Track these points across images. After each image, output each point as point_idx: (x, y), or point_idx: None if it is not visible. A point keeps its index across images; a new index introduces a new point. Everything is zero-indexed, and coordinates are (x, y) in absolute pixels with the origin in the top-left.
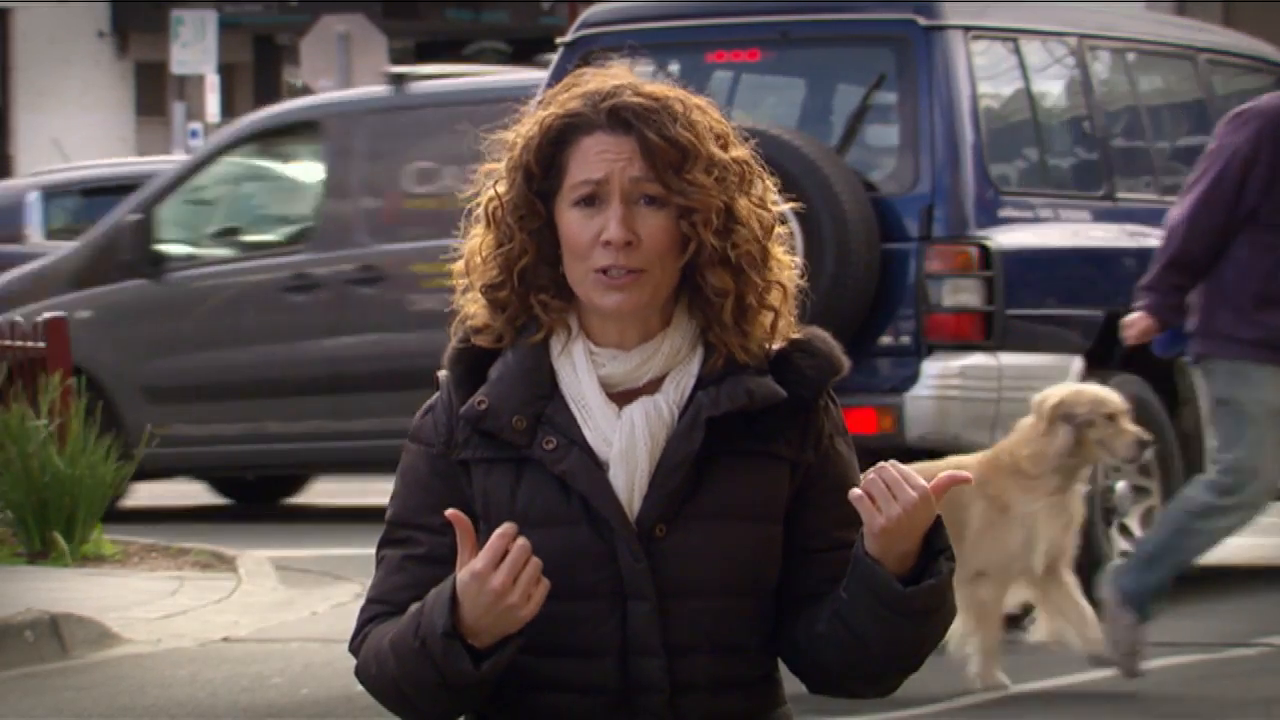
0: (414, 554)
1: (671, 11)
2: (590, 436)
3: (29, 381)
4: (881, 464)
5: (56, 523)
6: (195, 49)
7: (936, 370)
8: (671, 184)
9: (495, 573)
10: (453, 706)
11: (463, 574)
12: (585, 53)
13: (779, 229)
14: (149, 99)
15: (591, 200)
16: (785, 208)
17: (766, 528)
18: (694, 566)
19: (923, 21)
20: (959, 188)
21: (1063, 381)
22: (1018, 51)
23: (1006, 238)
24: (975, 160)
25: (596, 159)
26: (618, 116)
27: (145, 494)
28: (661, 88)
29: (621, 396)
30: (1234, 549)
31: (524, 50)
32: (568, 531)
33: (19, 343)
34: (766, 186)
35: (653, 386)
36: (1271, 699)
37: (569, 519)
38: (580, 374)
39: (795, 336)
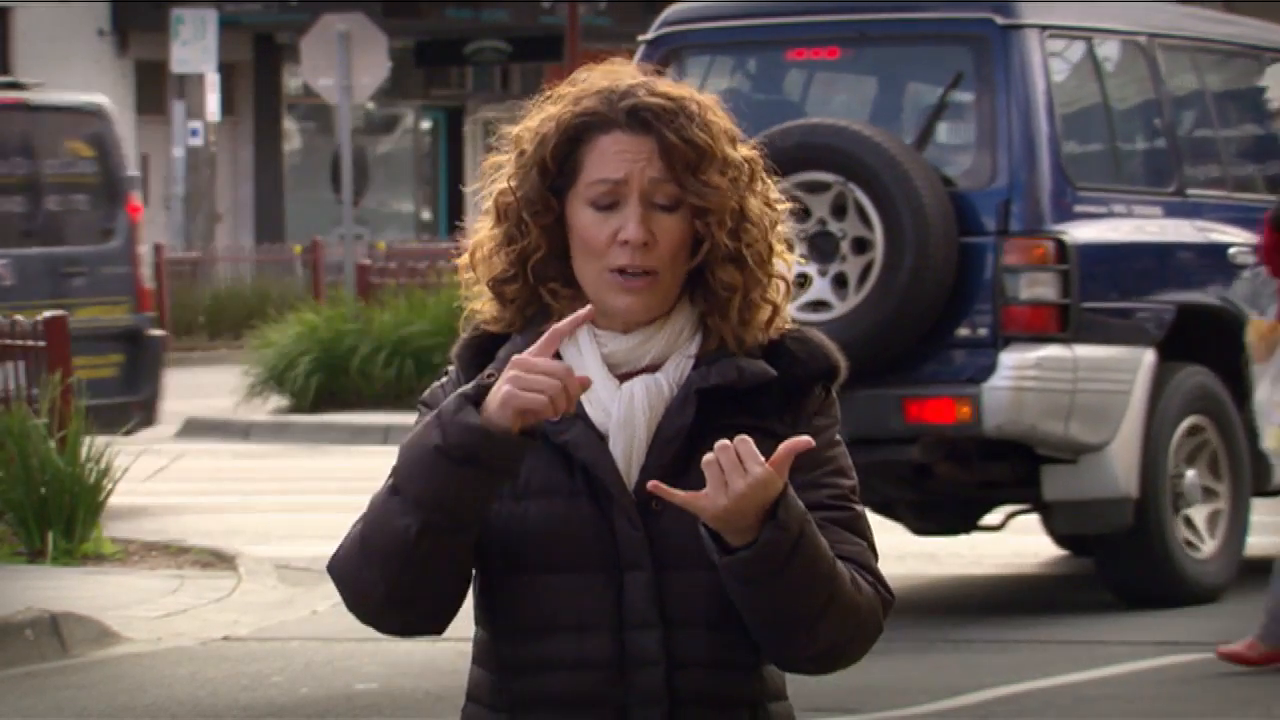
0: None
1: (752, 10)
2: (591, 409)
3: (29, 381)
4: (740, 438)
5: (56, 522)
6: (195, 48)
7: (1013, 361)
8: (688, 185)
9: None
10: (436, 496)
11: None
12: (667, 50)
13: (780, 227)
14: (149, 98)
15: (608, 199)
16: (788, 206)
17: None
18: (690, 539)
19: (1000, 20)
20: (1035, 183)
21: (1136, 374)
22: (1091, 50)
23: (1081, 232)
24: (1051, 156)
25: (615, 159)
26: (637, 116)
27: (145, 492)
28: (675, 86)
29: (623, 378)
30: None
31: (524, 49)
32: (567, 503)
33: (19, 342)
34: (769, 185)
35: (653, 369)
36: (1271, 698)
37: (569, 490)
38: (584, 353)
39: (789, 329)
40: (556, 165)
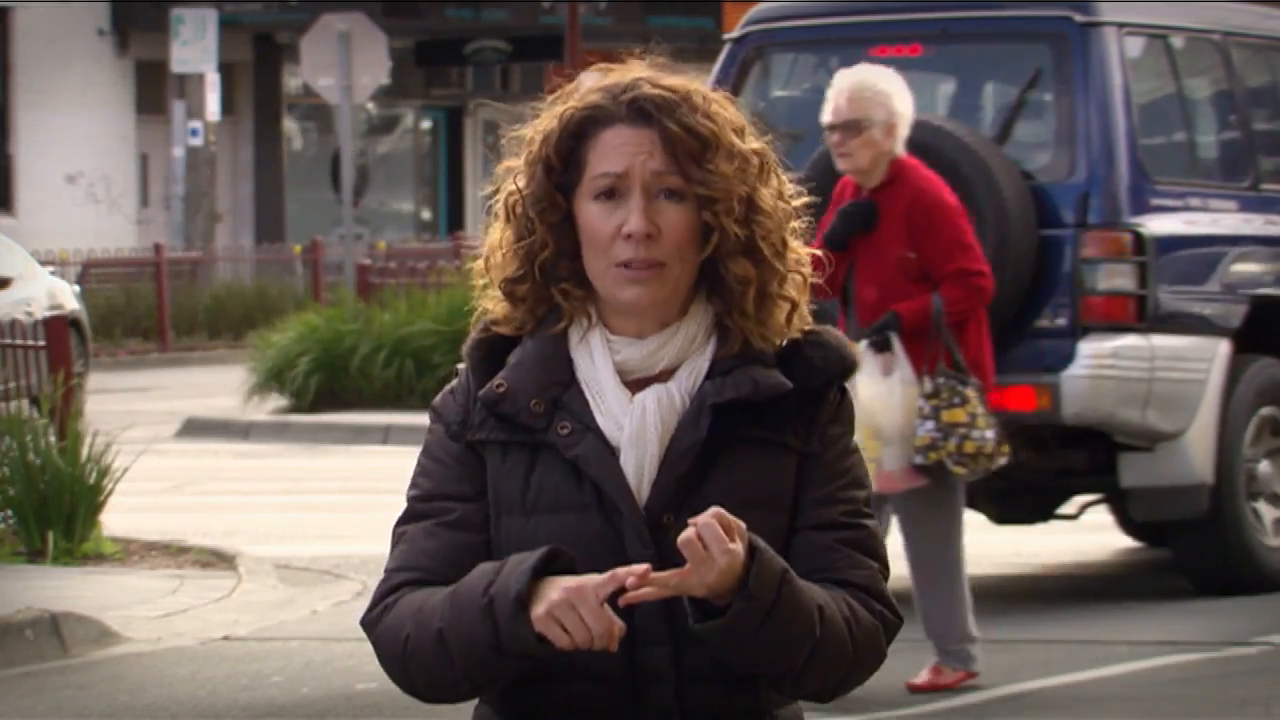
0: (446, 520)
1: (835, 9)
2: (603, 421)
3: (29, 381)
4: (706, 522)
5: (56, 521)
6: (195, 47)
7: (1091, 351)
8: (692, 174)
9: (589, 605)
10: (487, 675)
11: (571, 581)
12: (751, 48)
13: (795, 223)
14: (149, 97)
15: (612, 193)
16: (803, 201)
17: (774, 516)
18: None
19: (1079, 18)
20: (1113, 177)
21: (1211, 363)
22: (1167, 48)
23: (1158, 225)
24: (1129, 151)
25: (617, 151)
26: (638, 108)
27: (144, 492)
28: (681, 80)
29: (636, 385)
30: None
31: (524, 49)
32: (578, 518)
33: (19, 342)
34: (782, 180)
35: (666, 376)
36: (1271, 698)
37: (580, 505)
38: (596, 360)
39: (807, 329)
40: (561, 161)
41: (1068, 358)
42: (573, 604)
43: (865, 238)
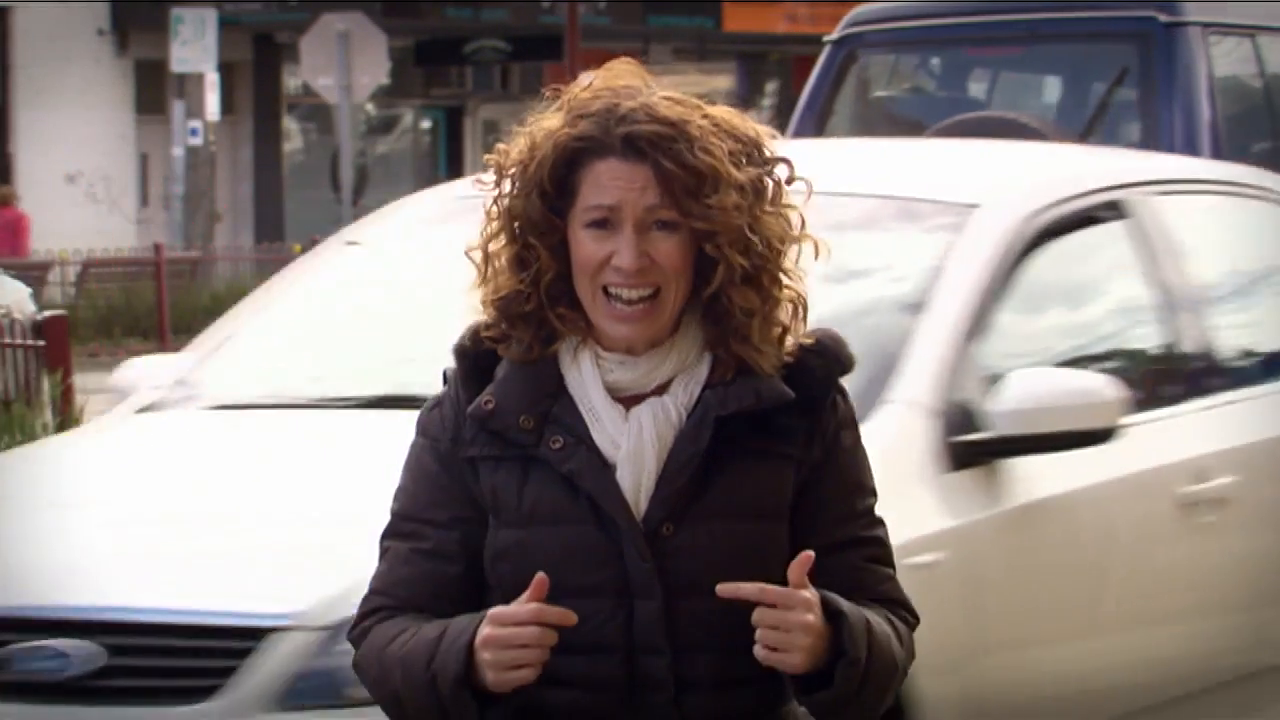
0: (420, 548)
1: (932, 10)
2: (597, 436)
3: (29, 381)
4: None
5: None
6: (195, 47)
7: None
8: (691, 209)
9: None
10: None
11: (484, 631)
12: (851, 50)
13: (790, 247)
14: (149, 97)
15: (604, 223)
16: (803, 229)
17: (773, 526)
18: (701, 565)
19: (1164, 18)
20: None
21: None
22: (1254, 48)
23: None
24: (1213, 151)
25: (610, 185)
26: (632, 145)
27: None
28: (678, 107)
29: (629, 400)
30: None
31: (524, 49)
32: (574, 530)
33: (19, 341)
34: (780, 205)
35: (660, 390)
36: (1271, 699)
37: (576, 517)
38: (586, 377)
39: (805, 340)
40: (555, 188)
41: None
42: (502, 646)
43: None
